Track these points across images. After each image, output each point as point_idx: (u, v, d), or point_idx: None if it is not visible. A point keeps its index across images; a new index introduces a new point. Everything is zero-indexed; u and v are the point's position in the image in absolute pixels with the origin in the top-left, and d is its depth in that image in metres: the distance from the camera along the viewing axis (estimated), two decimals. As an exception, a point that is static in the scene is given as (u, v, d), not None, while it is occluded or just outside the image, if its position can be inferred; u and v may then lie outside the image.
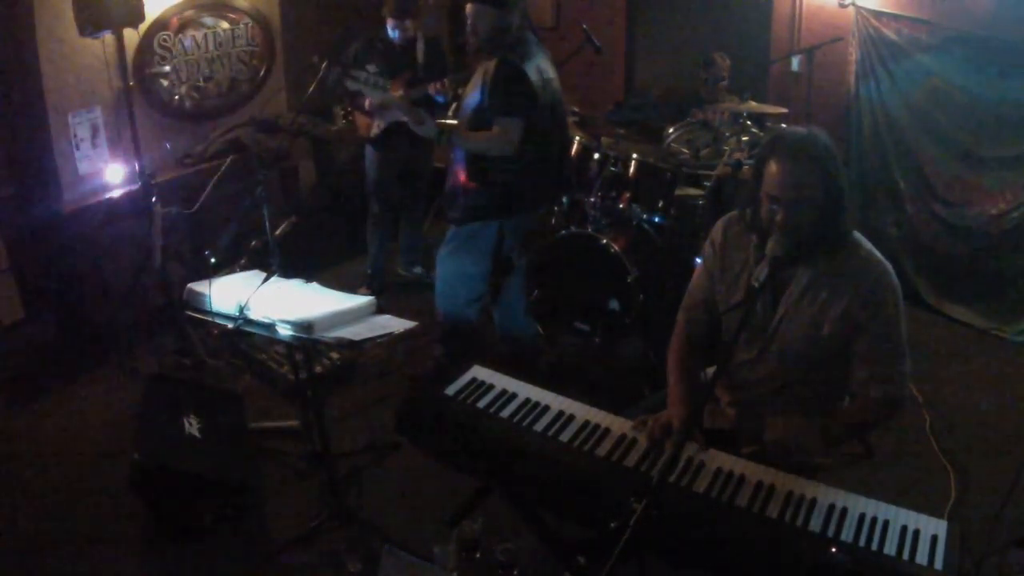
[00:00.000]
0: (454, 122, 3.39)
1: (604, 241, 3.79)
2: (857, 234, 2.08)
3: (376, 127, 4.38)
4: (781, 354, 2.12)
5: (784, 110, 4.33)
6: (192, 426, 2.93)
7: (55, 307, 4.06)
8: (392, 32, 4.21)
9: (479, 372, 2.30)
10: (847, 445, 2.36)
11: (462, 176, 3.33)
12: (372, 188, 4.59)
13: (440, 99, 4.19)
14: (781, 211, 1.96)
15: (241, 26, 4.71)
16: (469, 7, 3.13)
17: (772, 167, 1.97)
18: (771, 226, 1.99)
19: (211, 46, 4.60)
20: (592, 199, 3.92)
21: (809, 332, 2.06)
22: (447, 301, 3.60)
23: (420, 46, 4.30)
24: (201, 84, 4.61)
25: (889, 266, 2.04)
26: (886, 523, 1.77)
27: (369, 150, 4.52)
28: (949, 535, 1.73)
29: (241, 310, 2.47)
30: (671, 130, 4.52)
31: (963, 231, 4.30)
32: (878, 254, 2.05)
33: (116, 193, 4.13)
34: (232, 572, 2.73)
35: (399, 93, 4.11)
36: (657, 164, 3.93)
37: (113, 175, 4.16)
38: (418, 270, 4.82)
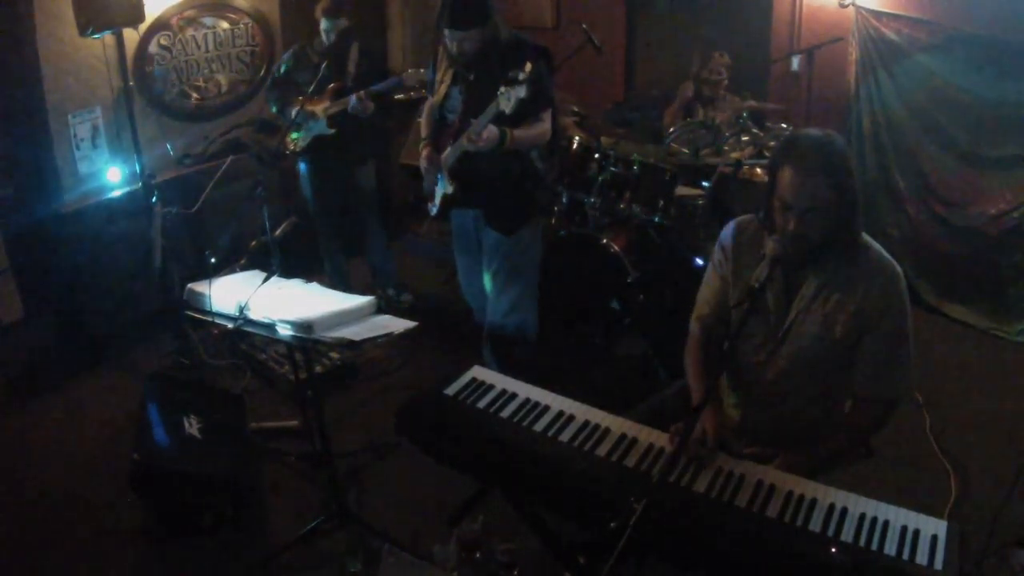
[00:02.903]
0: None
1: (604, 241, 3.79)
2: (866, 236, 2.08)
3: (302, 139, 4.14)
4: (792, 356, 2.12)
5: (780, 106, 4.33)
6: (192, 426, 2.94)
7: (55, 307, 4.06)
8: (325, 35, 3.99)
9: (479, 372, 2.30)
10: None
11: (500, 177, 3.08)
12: (311, 206, 4.34)
13: (360, 113, 3.90)
14: (793, 218, 1.96)
15: (241, 26, 4.71)
16: (453, 33, 2.90)
17: (786, 173, 1.96)
18: (784, 231, 1.99)
19: (211, 46, 4.60)
20: (592, 199, 3.92)
21: (821, 334, 2.06)
22: (522, 316, 3.32)
23: (354, 55, 4.07)
24: (201, 84, 4.62)
25: (899, 268, 2.05)
26: (886, 523, 1.77)
27: (301, 166, 4.28)
28: (949, 535, 1.73)
29: (241, 310, 2.47)
30: (671, 130, 4.52)
31: (963, 231, 4.30)
32: (889, 257, 2.06)
33: (116, 193, 4.13)
34: (232, 572, 2.73)
35: (324, 104, 4.00)
36: (657, 164, 3.93)
37: (113, 175, 4.17)
38: (390, 291, 4.58)
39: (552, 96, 3.06)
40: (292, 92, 4.08)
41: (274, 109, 4.22)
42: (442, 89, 3.14)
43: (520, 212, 3.20)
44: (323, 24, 3.99)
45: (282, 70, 4.12)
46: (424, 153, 3.22)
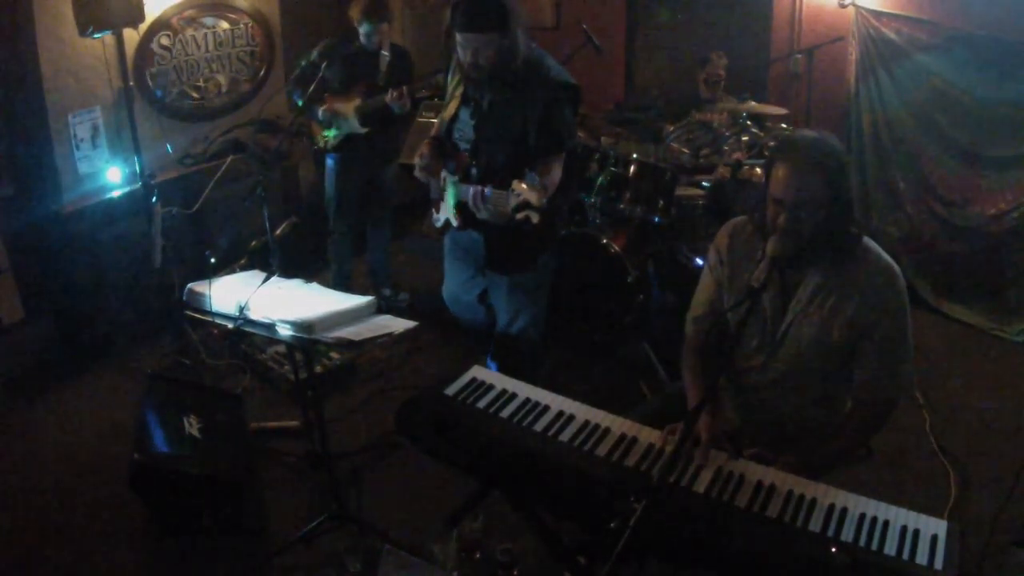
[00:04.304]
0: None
1: (604, 241, 3.79)
2: (868, 240, 2.08)
3: (333, 137, 4.13)
4: (789, 359, 2.12)
5: (784, 111, 4.33)
6: (192, 426, 2.93)
7: (55, 307, 4.06)
8: (365, 38, 3.95)
9: (479, 372, 2.30)
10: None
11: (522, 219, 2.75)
12: (333, 203, 4.33)
13: (397, 109, 3.90)
14: (783, 213, 1.96)
15: (241, 26, 4.71)
16: (466, 37, 2.62)
17: (779, 169, 1.98)
18: (775, 226, 1.99)
19: (211, 46, 4.60)
20: (592, 199, 3.93)
21: (818, 337, 2.06)
22: (535, 333, 3.13)
23: (385, 55, 4.04)
24: (201, 84, 4.62)
25: (897, 269, 2.05)
26: (886, 523, 1.77)
27: (329, 162, 4.27)
28: (949, 535, 1.73)
29: (241, 310, 2.47)
30: (671, 130, 4.53)
31: (963, 231, 4.31)
32: (887, 258, 2.05)
33: (116, 193, 4.13)
34: (232, 572, 2.73)
35: (356, 102, 3.98)
36: (657, 164, 3.93)
37: (113, 175, 4.16)
38: (387, 292, 4.56)
39: (572, 146, 2.84)
40: (320, 87, 4.02)
41: (299, 103, 4.10)
42: (452, 106, 2.89)
43: (532, 250, 2.95)
44: (364, 28, 3.89)
45: (311, 63, 4.04)
46: (427, 149, 2.92)
